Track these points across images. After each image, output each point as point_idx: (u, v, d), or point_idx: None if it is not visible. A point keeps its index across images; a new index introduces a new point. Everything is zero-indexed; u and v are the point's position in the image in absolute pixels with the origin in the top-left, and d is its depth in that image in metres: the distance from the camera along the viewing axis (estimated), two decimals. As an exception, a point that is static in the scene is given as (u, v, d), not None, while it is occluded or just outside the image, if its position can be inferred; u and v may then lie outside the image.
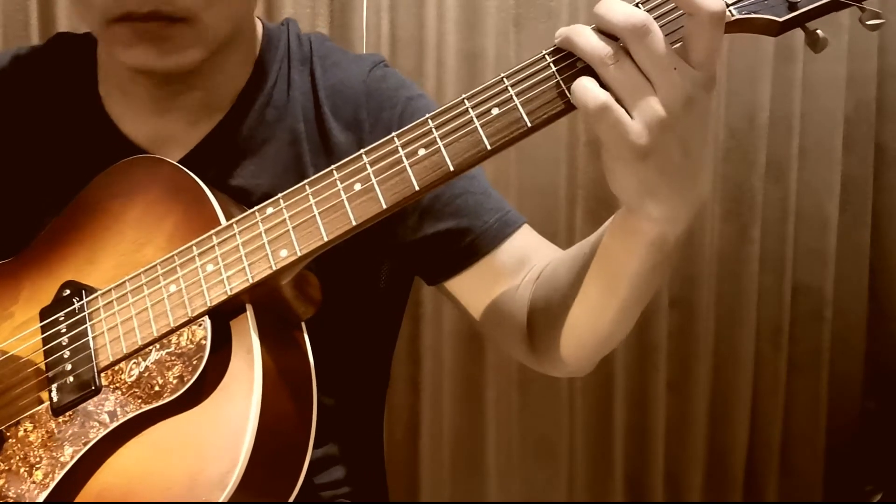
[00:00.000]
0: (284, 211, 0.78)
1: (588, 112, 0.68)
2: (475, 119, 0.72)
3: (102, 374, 0.80)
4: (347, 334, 0.97)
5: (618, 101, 0.67)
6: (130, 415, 0.77)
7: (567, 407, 2.07)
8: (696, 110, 0.68)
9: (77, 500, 0.77)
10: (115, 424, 0.78)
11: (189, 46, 0.85)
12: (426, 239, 0.96)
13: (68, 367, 0.82)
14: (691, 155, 0.70)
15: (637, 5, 0.69)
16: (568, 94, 0.70)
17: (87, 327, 0.83)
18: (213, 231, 0.80)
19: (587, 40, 0.68)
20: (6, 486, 0.80)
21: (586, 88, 0.68)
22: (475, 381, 1.98)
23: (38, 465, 0.80)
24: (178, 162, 0.91)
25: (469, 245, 0.95)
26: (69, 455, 0.78)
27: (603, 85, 0.68)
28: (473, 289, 0.97)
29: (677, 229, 0.74)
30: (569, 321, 0.87)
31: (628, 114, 0.67)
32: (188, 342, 0.78)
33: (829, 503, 2.21)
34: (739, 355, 2.14)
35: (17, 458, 0.81)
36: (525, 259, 0.96)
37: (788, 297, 2.14)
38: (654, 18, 0.68)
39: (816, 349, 2.18)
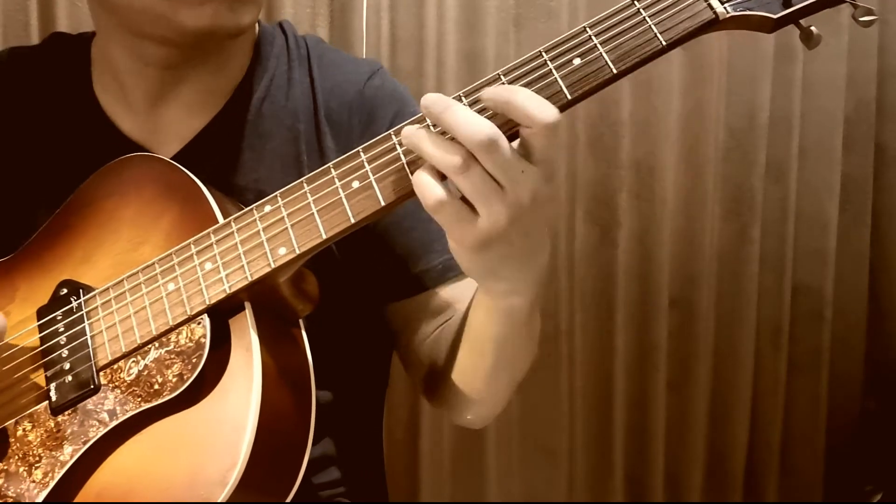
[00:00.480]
0: (282, 209, 0.78)
1: (427, 205, 0.69)
2: (474, 118, 0.72)
3: (101, 373, 0.80)
4: (346, 332, 0.97)
5: (466, 199, 0.68)
6: (130, 413, 0.77)
7: (567, 407, 2.07)
8: (540, 203, 0.69)
9: (77, 499, 0.77)
10: (114, 423, 0.78)
11: (254, 4, 0.88)
12: (373, 259, 0.97)
13: (67, 365, 0.82)
14: (531, 236, 0.72)
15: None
16: (566, 91, 0.70)
17: (85, 326, 0.83)
18: (210, 229, 0.81)
19: (435, 151, 0.68)
20: (5, 485, 0.80)
21: (424, 184, 0.69)
22: (475, 381, 1.98)
23: (37, 465, 0.80)
24: (175, 156, 0.91)
25: (406, 279, 0.97)
26: (69, 454, 0.78)
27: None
28: (399, 319, 1.00)
29: (524, 299, 0.77)
30: (448, 374, 0.91)
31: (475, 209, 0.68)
32: (187, 340, 0.78)
33: (829, 503, 2.21)
34: (739, 355, 2.13)
35: (16, 457, 0.81)
36: (450, 307, 0.97)
37: (788, 297, 2.14)
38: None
39: (816, 349, 2.17)
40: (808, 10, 0.69)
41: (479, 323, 0.83)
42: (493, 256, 0.71)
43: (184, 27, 0.86)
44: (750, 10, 0.69)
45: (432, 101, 0.68)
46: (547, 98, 0.68)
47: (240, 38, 0.93)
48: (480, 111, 0.69)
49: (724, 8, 0.69)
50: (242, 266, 0.78)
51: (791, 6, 0.69)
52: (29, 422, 0.82)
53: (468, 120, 0.66)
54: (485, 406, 0.94)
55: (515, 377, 0.90)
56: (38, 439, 0.80)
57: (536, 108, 0.66)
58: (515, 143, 0.69)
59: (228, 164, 0.94)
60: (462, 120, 0.67)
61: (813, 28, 0.69)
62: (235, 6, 0.86)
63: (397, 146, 0.74)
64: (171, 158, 0.91)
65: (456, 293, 0.97)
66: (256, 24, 1.00)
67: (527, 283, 0.76)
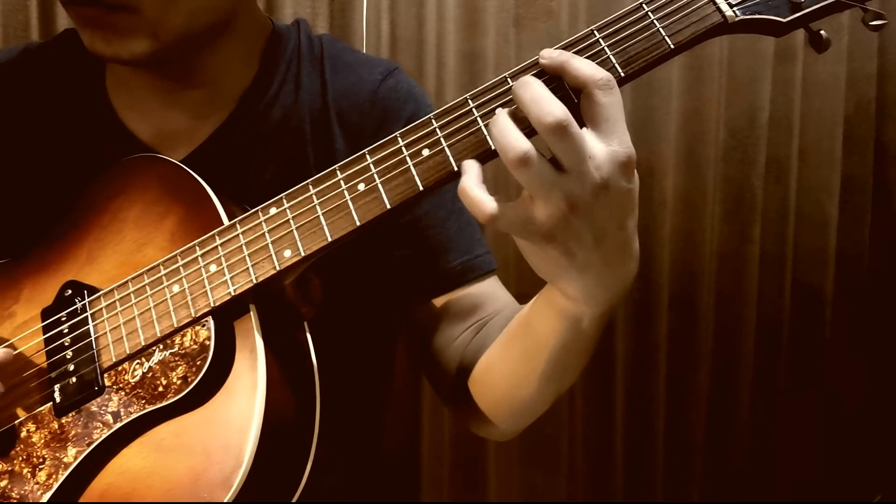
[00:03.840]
0: (288, 211, 0.77)
1: (478, 211, 0.66)
2: (479, 119, 0.72)
3: (106, 375, 0.80)
4: (350, 335, 0.97)
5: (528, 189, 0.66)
6: (134, 415, 0.77)
7: (567, 407, 2.07)
8: (611, 196, 0.66)
9: (81, 500, 0.77)
10: (118, 425, 0.77)
11: (132, 36, 0.84)
12: (391, 260, 0.96)
13: (71, 367, 0.82)
14: (605, 241, 0.68)
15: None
16: (571, 94, 0.69)
17: (89, 327, 0.82)
18: (215, 231, 0.80)
19: (506, 134, 0.65)
20: (10, 486, 0.80)
21: (469, 189, 0.67)
22: (475, 381, 1.98)
23: (41, 466, 0.79)
24: (184, 159, 0.91)
25: (426, 281, 0.95)
26: (73, 456, 0.78)
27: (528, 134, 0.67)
28: (420, 324, 0.97)
29: (595, 311, 0.73)
30: (489, 381, 0.88)
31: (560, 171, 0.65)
32: (192, 343, 0.78)
33: (829, 503, 2.21)
34: (739, 355, 2.14)
35: (20, 458, 0.81)
36: (476, 309, 0.95)
37: (788, 296, 2.14)
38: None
39: (816, 349, 2.18)
40: (817, 14, 0.68)
41: (541, 328, 0.78)
42: (559, 255, 0.68)
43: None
44: (759, 13, 0.69)
45: (519, 82, 0.66)
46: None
47: (232, 43, 0.93)
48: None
49: (733, 11, 0.69)
50: (247, 268, 0.78)
51: (801, 10, 0.69)
52: (33, 423, 0.82)
53: (542, 101, 0.64)
54: (523, 418, 0.89)
55: (564, 388, 0.85)
56: (43, 440, 0.80)
57: (589, 66, 0.65)
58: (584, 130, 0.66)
59: (237, 169, 0.94)
60: (534, 101, 0.64)
61: (822, 31, 0.69)
62: (110, 38, 0.84)
63: (403, 149, 0.74)
64: (179, 162, 0.90)
65: (481, 295, 0.95)
66: (269, 26, 0.99)
67: (604, 292, 0.72)
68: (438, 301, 0.96)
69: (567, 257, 0.68)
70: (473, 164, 0.68)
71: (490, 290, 0.96)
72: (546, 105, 0.64)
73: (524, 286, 0.93)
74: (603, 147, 0.65)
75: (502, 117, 0.66)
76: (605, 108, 0.65)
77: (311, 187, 0.77)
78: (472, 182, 0.67)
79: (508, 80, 0.72)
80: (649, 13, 0.70)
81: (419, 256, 0.95)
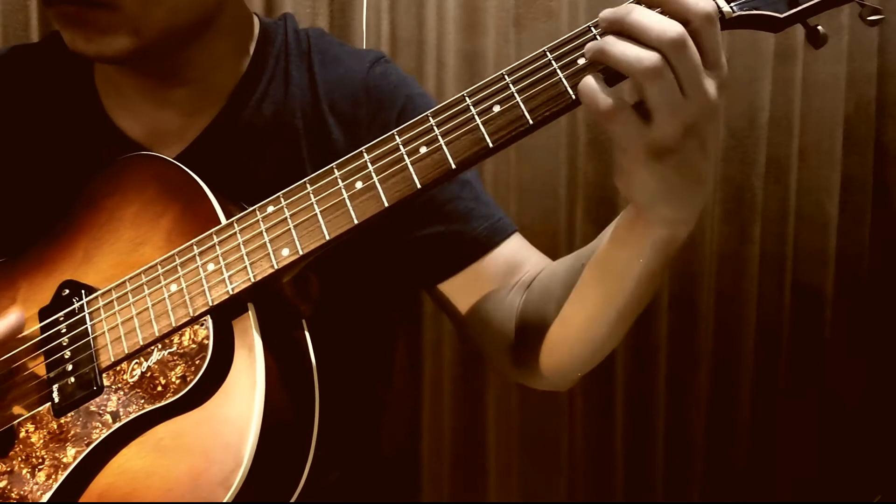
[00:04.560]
0: (285, 210, 0.77)
1: (599, 113, 0.67)
2: (476, 116, 0.72)
3: (104, 375, 0.80)
4: (349, 333, 0.97)
5: (648, 107, 0.66)
6: (133, 415, 0.77)
7: (567, 407, 2.07)
8: (714, 112, 0.68)
9: (80, 500, 0.77)
10: (117, 425, 0.77)
11: (113, 33, 0.84)
12: (414, 242, 0.96)
13: (69, 367, 0.82)
14: (709, 155, 0.70)
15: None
16: (570, 92, 0.69)
17: (87, 327, 0.82)
18: (213, 230, 0.80)
19: (630, 52, 0.65)
20: (9, 487, 0.80)
21: (594, 91, 0.67)
22: (475, 381, 1.98)
23: (40, 467, 0.79)
24: (176, 157, 0.91)
25: (456, 251, 0.95)
26: (72, 456, 0.78)
27: (609, 81, 0.67)
28: (460, 295, 0.97)
29: (687, 230, 0.75)
30: (562, 330, 0.87)
31: (651, 115, 0.66)
32: (190, 342, 0.78)
33: (829, 503, 2.21)
34: (739, 355, 2.14)
35: (20, 458, 0.81)
36: (515, 268, 0.95)
37: (788, 296, 2.14)
38: None
39: (816, 349, 2.18)
40: (814, 10, 0.68)
41: (624, 263, 0.78)
42: (671, 173, 0.69)
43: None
44: (756, 9, 0.69)
45: (610, 11, 0.67)
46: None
47: (218, 40, 0.93)
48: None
49: (731, 7, 0.69)
50: (245, 267, 0.78)
51: (798, 6, 0.69)
52: (32, 423, 0.82)
53: (659, 19, 0.65)
54: (593, 361, 0.89)
55: (632, 320, 0.84)
56: (42, 441, 0.80)
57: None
58: None
59: (230, 165, 0.94)
60: (653, 18, 0.65)
61: (820, 27, 0.69)
62: (91, 36, 0.84)
63: (401, 147, 0.74)
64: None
65: (514, 254, 0.95)
66: (256, 22, 0.99)
67: (695, 208, 0.73)
68: (472, 269, 0.95)
69: (678, 174, 0.69)
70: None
71: (520, 249, 0.97)
72: (665, 22, 0.65)
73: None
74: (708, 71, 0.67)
75: (613, 40, 0.67)
76: (713, 41, 0.66)
77: (308, 185, 0.77)
78: (592, 80, 0.67)
79: (506, 77, 0.72)
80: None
81: (444, 230, 0.95)
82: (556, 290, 0.88)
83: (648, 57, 0.65)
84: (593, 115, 0.67)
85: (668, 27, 0.64)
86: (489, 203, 0.98)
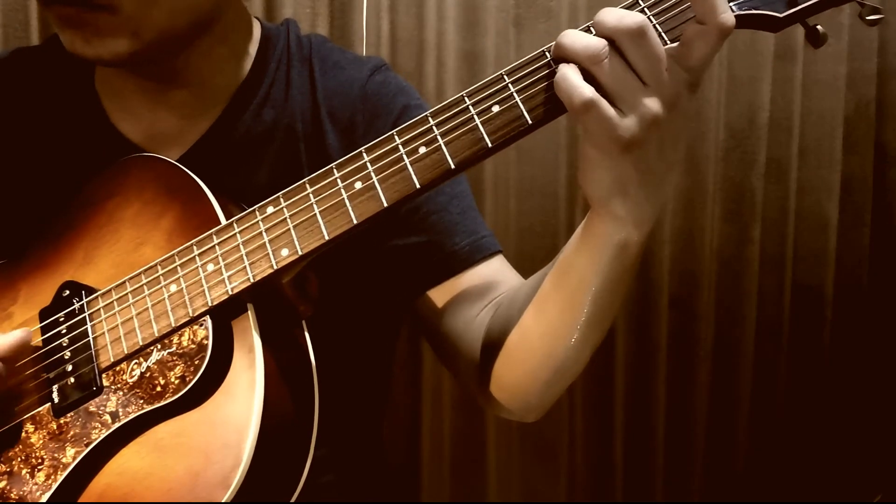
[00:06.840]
0: (285, 210, 0.77)
1: (573, 106, 0.68)
2: (476, 117, 0.72)
3: (104, 375, 0.80)
4: (348, 333, 0.97)
5: (607, 95, 0.68)
6: (133, 415, 0.77)
7: (567, 407, 2.07)
8: (679, 110, 0.69)
9: (80, 500, 0.77)
10: (117, 425, 0.77)
11: (112, 36, 0.83)
12: (394, 250, 0.95)
13: (69, 367, 0.82)
14: (666, 155, 0.71)
15: (638, 2, 0.70)
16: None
17: (87, 328, 0.82)
18: (213, 230, 0.80)
19: (576, 38, 0.69)
20: (8, 487, 0.80)
21: (570, 83, 0.68)
22: (475, 381, 1.98)
23: (39, 467, 0.79)
24: (176, 161, 0.91)
25: (434, 264, 0.95)
26: (71, 456, 0.78)
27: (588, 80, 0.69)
28: (435, 312, 0.96)
29: (640, 234, 0.75)
30: (521, 340, 0.86)
31: (616, 108, 0.68)
32: (190, 342, 0.78)
33: (829, 503, 2.21)
34: (739, 355, 2.14)
35: (19, 459, 0.81)
36: (491, 287, 0.94)
37: (788, 297, 2.14)
38: (654, 15, 0.70)
39: (816, 349, 2.18)
40: (814, 9, 0.68)
41: (583, 268, 0.78)
42: (628, 167, 0.71)
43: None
44: (755, 9, 0.69)
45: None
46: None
47: (217, 43, 0.93)
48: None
49: (730, 7, 0.69)
50: (245, 267, 0.78)
51: (797, 5, 0.69)
52: (32, 423, 0.82)
53: (618, 10, 0.68)
54: (559, 382, 0.88)
55: (600, 337, 0.83)
56: (41, 441, 0.80)
57: (721, 4, 0.67)
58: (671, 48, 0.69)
59: (230, 168, 0.94)
60: (612, 11, 0.68)
61: (819, 27, 0.69)
62: (89, 38, 0.83)
63: (400, 147, 0.74)
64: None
65: (492, 274, 0.95)
66: (257, 26, 0.99)
67: (649, 211, 0.74)
68: (449, 284, 0.95)
69: (634, 170, 0.71)
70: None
71: (500, 270, 0.96)
72: (626, 12, 0.68)
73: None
74: (678, 67, 0.69)
75: (574, 34, 0.70)
76: (710, 51, 0.69)
77: (307, 186, 0.77)
78: (572, 70, 0.69)
79: (505, 77, 0.72)
80: (645, 10, 0.71)
81: (425, 242, 0.95)
82: (519, 301, 0.87)
83: (594, 44, 0.68)
84: (567, 106, 0.69)
85: (622, 17, 0.67)
86: (476, 220, 0.97)
